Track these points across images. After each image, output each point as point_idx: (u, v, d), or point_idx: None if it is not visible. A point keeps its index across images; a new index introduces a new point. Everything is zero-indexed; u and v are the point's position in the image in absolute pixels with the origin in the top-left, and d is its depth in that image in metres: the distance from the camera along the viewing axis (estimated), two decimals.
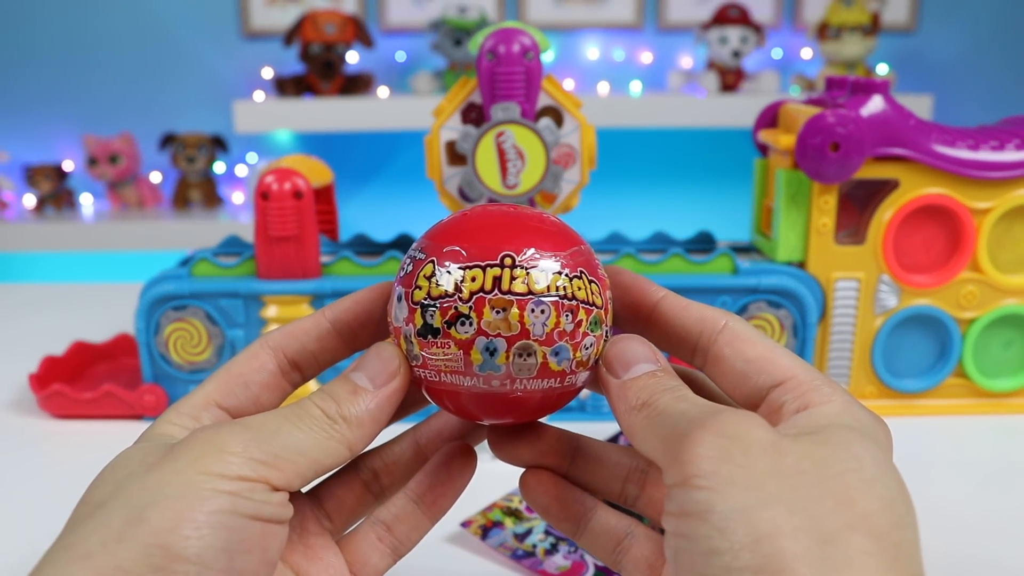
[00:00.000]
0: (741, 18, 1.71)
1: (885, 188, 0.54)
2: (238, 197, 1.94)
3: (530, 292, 0.25)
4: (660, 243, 0.62)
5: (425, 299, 0.25)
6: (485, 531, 0.42)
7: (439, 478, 0.29)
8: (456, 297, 0.25)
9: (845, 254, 0.55)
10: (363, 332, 0.29)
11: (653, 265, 0.54)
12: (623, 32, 1.92)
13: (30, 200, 1.88)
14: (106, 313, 0.78)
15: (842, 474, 0.21)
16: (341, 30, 1.68)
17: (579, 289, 0.25)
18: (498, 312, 0.25)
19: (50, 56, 1.91)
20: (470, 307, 0.25)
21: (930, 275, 0.55)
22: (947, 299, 0.55)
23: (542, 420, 0.29)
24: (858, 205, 0.56)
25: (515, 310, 0.25)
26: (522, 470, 0.30)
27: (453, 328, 0.25)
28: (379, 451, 0.31)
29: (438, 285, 0.25)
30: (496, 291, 0.25)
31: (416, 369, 0.26)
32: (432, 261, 0.26)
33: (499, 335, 0.25)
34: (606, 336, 0.27)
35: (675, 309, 0.27)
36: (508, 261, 0.25)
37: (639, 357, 0.26)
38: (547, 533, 0.42)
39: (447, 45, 1.67)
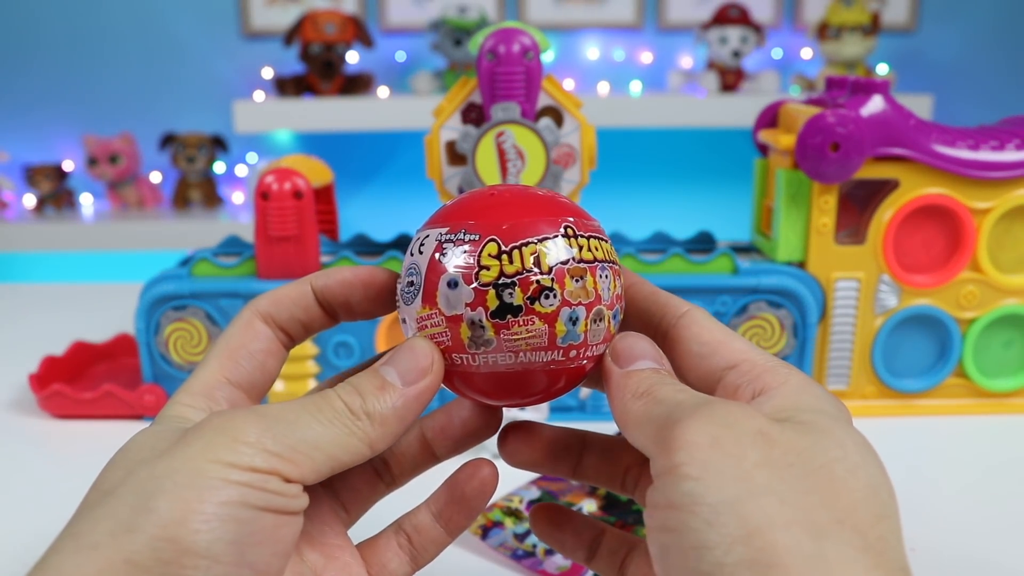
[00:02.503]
0: (741, 18, 1.71)
1: (885, 188, 0.54)
2: (238, 197, 1.94)
3: (595, 259, 0.25)
4: (660, 243, 0.62)
5: (499, 278, 0.24)
6: (485, 531, 0.42)
7: (454, 496, 0.29)
8: (535, 272, 0.25)
9: (845, 254, 0.55)
10: (344, 311, 0.29)
11: (653, 265, 0.54)
12: (623, 32, 1.92)
13: (30, 200, 1.88)
14: (106, 313, 0.78)
15: (827, 465, 0.21)
16: (341, 30, 1.68)
17: (614, 254, 0.27)
18: (577, 281, 0.25)
19: (50, 56, 1.91)
20: (552, 279, 0.25)
21: (930, 275, 0.55)
22: (947, 299, 0.55)
23: (549, 421, 0.29)
24: (858, 205, 0.56)
25: (590, 277, 0.25)
26: (522, 480, 0.30)
27: (537, 303, 0.24)
28: None
29: (511, 262, 0.24)
30: (571, 261, 0.25)
31: (482, 356, 0.25)
32: (494, 240, 0.25)
33: (580, 304, 0.25)
34: None
35: (642, 293, 0.28)
36: (570, 231, 0.25)
37: (646, 354, 0.26)
38: None
39: (447, 45, 1.67)
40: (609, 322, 0.26)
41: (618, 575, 0.29)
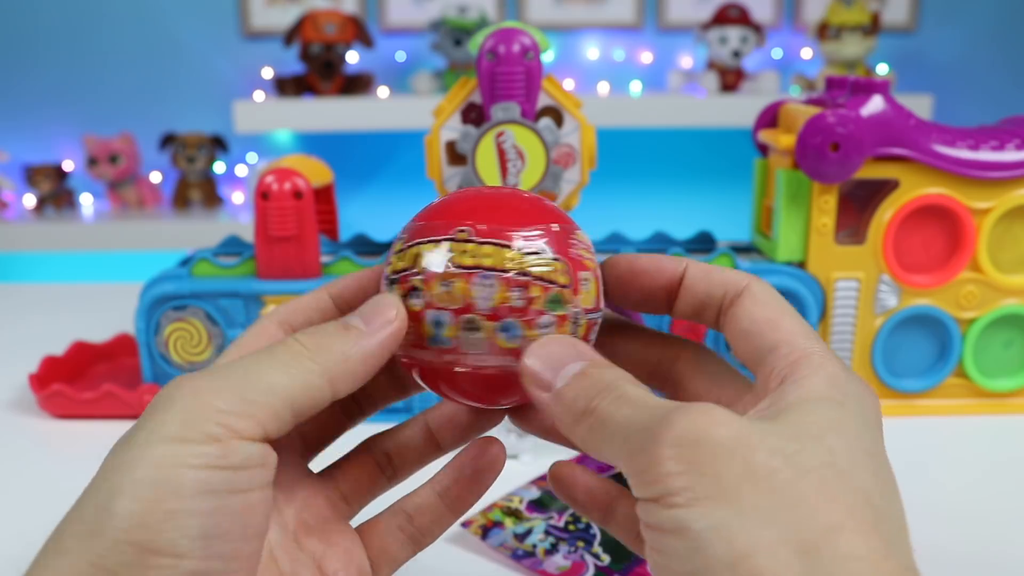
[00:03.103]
0: (741, 18, 1.71)
1: (885, 188, 0.54)
2: (238, 197, 1.94)
3: (477, 266, 0.25)
4: (660, 243, 0.62)
5: (391, 273, 0.26)
6: (485, 531, 0.42)
7: (464, 473, 0.29)
8: (412, 270, 0.25)
9: (845, 254, 0.55)
10: None
11: None
12: (623, 32, 1.92)
13: (30, 200, 1.88)
14: (106, 313, 0.78)
15: (816, 469, 0.20)
16: (341, 30, 1.68)
17: (535, 266, 0.25)
18: (445, 284, 0.25)
19: (51, 56, 1.91)
20: (421, 280, 0.25)
21: (930, 275, 0.55)
22: (947, 299, 0.55)
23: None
24: (858, 205, 0.56)
25: (460, 283, 0.25)
26: (547, 467, 0.30)
27: (407, 300, 0.25)
28: (391, 433, 0.30)
29: (400, 259, 0.26)
30: (446, 264, 0.25)
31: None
32: (402, 238, 0.27)
33: (445, 308, 0.25)
34: (575, 319, 0.26)
35: (699, 276, 0.27)
36: (461, 235, 0.25)
37: (561, 360, 0.24)
38: (547, 533, 0.42)
39: (447, 45, 1.67)
40: (493, 334, 0.25)
41: (636, 541, 0.29)
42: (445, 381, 0.26)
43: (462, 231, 0.25)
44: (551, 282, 0.25)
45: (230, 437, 0.22)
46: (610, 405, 0.22)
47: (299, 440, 0.29)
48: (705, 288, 0.27)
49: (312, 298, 0.28)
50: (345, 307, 0.28)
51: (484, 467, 0.29)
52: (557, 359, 0.24)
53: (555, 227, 0.26)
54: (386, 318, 0.25)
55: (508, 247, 0.25)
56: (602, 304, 0.27)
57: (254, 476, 0.22)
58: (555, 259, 0.25)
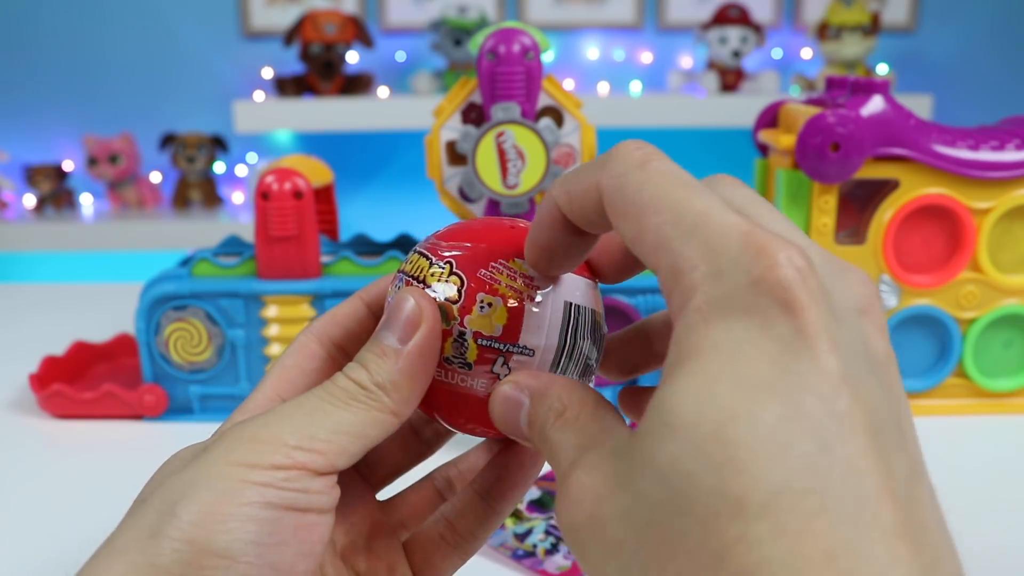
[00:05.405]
0: (741, 18, 1.71)
1: (885, 188, 0.54)
2: (238, 197, 1.94)
3: (400, 271, 0.27)
4: None
5: None
6: None
7: (507, 470, 0.28)
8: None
9: (845, 254, 0.55)
10: None
11: None
12: (623, 32, 1.92)
13: (30, 200, 1.88)
14: (106, 313, 0.78)
15: (653, 525, 0.17)
16: (341, 30, 1.68)
17: (431, 276, 0.25)
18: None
19: (51, 57, 1.91)
20: None
21: (930, 275, 0.55)
22: (947, 299, 0.55)
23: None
24: (858, 205, 0.56)
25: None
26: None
27: None
28: (455, 460, 0.30)
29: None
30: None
31: None
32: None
33: None
34: (460, 337, 0.24)
35: (561, 203, 0.23)
36: (420, 246, 0.27)
37: (516, 401, 0.24)
38: (547, 533, 0.42)
39: (447, 45, 1.67)
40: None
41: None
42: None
43: (425, 243, 0.26)
44: (417, 280, 0.25)
45: (295, 468, 0.23)
46: (555, 436, 0.22)
47: (356, 474, 0.29)
48: (573, 210, 0.22)
49: (348, 307, 0.28)
50: (380, 313, 0.28)
51: (527, 461, 0.28)
52: (514, 404, 0.24)
53: (483, 246, 0.25)
54: (412, 323, 0.24)
55: (429, 259, 0.25)
56: (526, 339, 0.24)
57: (312, 500, 0.23)
58: (453, 274, 0.25)
